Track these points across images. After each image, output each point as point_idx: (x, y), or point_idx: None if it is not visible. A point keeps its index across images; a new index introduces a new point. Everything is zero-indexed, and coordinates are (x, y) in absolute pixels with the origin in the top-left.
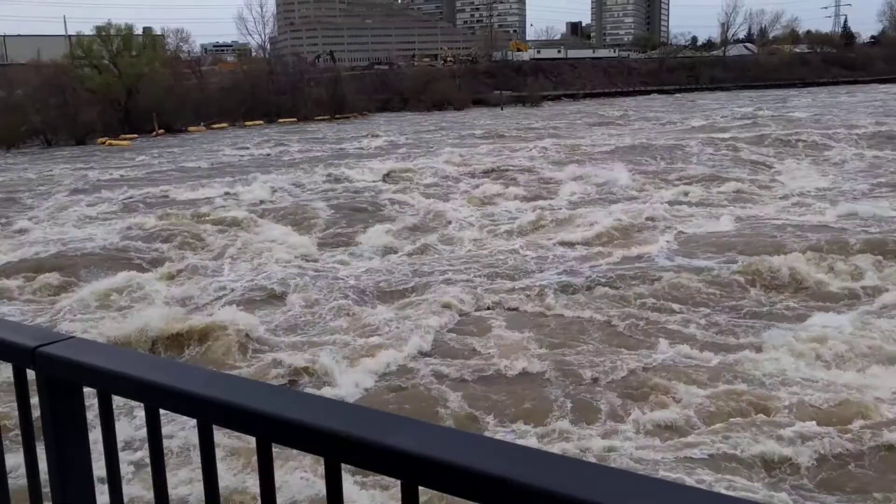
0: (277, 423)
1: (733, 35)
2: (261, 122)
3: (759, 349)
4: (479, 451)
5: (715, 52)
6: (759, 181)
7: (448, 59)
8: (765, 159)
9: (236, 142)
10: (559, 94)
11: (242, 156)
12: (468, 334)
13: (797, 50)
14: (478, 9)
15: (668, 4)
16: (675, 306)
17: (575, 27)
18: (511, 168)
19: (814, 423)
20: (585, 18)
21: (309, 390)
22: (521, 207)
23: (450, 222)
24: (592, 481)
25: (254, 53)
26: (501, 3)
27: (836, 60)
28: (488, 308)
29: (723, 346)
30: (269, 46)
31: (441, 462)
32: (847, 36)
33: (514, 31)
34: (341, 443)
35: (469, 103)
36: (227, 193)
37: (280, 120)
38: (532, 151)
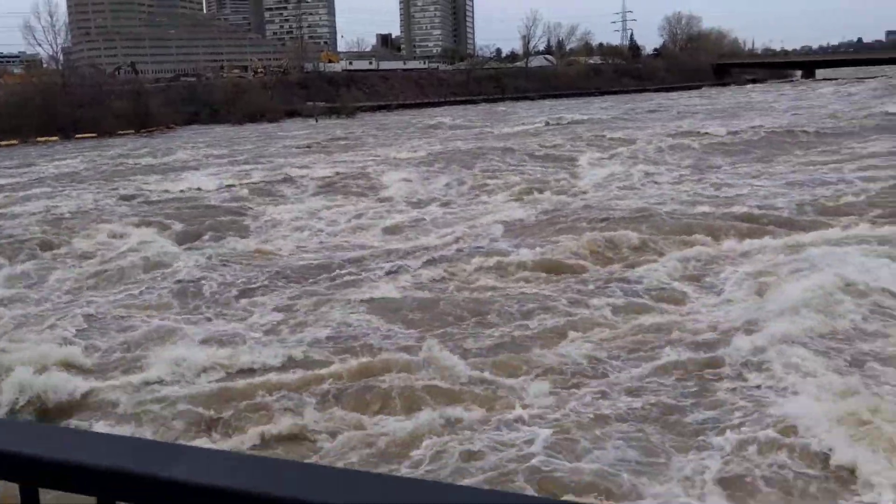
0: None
1: (534, 47)
2: (55, 137)
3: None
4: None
5: (518, 64)
6: (562, 175)
7: (259, 70)
8: (571, 155)
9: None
10: (373, 105)
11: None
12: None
13: (591, 61)
14: (287, 20)
15: (472, 18)
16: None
17: (385, 39)
18: (345, 175)
19: None
20: (395, 30)
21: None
22: (356, 210)
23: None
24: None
25: (45, 65)
26: (311, 14)
27: (626, 71)
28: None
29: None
30: (61, 57)
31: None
32: (634, 49)
33: (325, 42)
34: (119, 480)
35: (282, 115)
36: None
37: (78, 136)
38: (366, 160)
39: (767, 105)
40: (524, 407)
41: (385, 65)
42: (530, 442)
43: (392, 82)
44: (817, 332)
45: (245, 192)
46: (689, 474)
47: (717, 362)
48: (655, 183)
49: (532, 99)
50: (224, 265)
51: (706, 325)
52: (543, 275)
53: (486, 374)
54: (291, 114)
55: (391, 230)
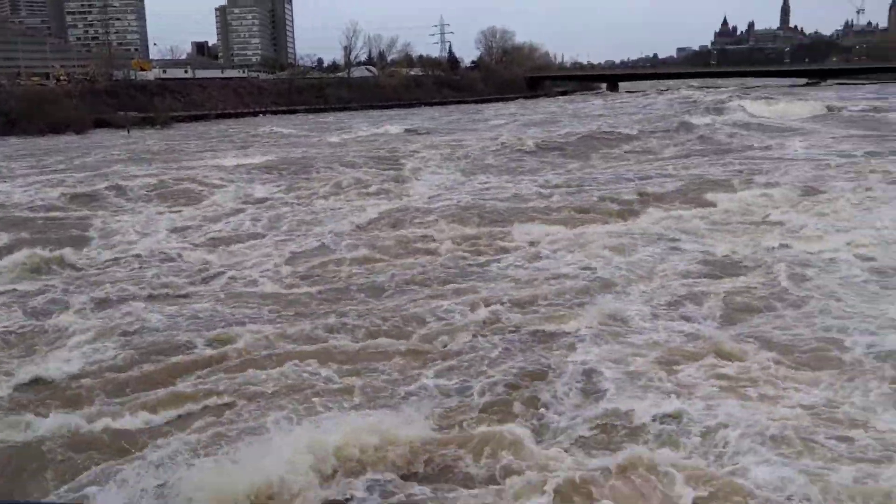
0: None
1: (356, 58)
2: None
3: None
4: None
5: (340, 74)
6: (394, 181)
7: (62, 77)
8: (403, 160)
9: None
10: (190, 114)
11: None
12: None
13: (412, 73)
14: (91, 24)
15: (292, 27)
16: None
17: (202, 47)
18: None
19: None
20: (212, 38)
21: None
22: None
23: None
24: None
25: None
26: (118, 19)
27: (446, 82)
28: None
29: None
30: None
31: None
32: (453, 61)
33: (136, 49)
34: None
35: (90, 125)
36: None
37: None
38: (194, 169)
39: (584, 113)
40: None
41: (202, 73)
42: None
43: (210, 91)
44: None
45: (61, 202)
46: None
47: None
48: (484, 183)
49: (355, 109)
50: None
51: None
52: (369, 265)
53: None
54: (100, 124)
55: (216, 240)
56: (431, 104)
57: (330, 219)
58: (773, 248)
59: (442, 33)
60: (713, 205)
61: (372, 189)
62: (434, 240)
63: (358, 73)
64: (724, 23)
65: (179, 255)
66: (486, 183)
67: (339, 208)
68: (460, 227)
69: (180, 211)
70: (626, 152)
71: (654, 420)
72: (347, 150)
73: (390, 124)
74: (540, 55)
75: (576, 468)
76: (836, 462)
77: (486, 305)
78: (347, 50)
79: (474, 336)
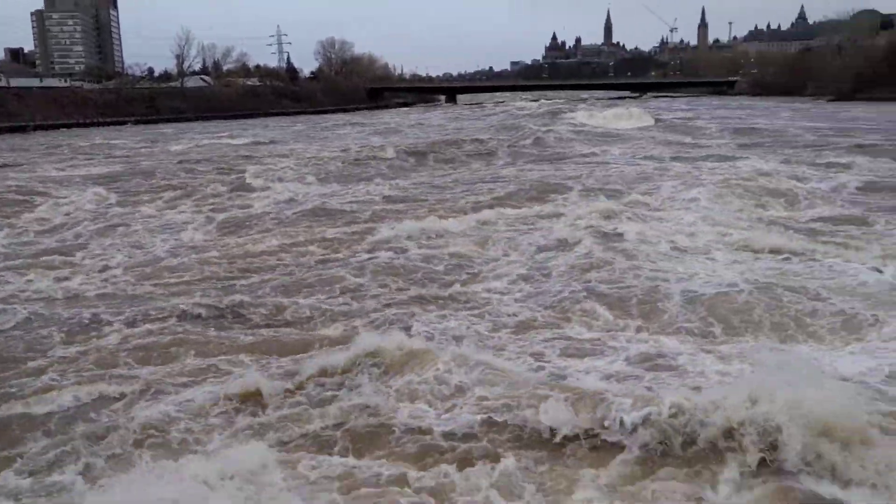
0: None
1: (189, 67)
2: None
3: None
4: None
5: (173, 84)
6: (240, 189)
7: None
8: (244, 170)
9: None
10: (5, 125)
11: None
12: None
13: (249, 82)
14: None
15: (119, 34)
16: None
17: (16, 54)
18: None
19: None
20: (28, 45)
21: None
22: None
23: None
24: None
25: None
26: None
27: (285, 93)
28: None
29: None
30: None
31: None
32: (292, 71)
33: None
34: None
35: None
36: None
37: None
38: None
39: (428, 123)
40: None
41: (17, 82)
42: None
43: (27, 101)
44: None
45: None
46: None
47: None
48: (335, 189)
49: (190, 120)
50: None
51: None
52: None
53: None
54: None
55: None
56: (271, 115)
57: (169, 229)
58: (609, 232)
59: (279, 43)
60: (551, 201)
61: (216, 199)
62: (287, 245)
63: (192, 82)
64: (554, 38)
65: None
66: (343, 189)
67: (181, 220)
68: (318, 230)
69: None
70: (469, 156)
71: None
72: (188, 159)
73: (231, 134)
74: (380, 67)
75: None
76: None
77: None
78: (180, 59)
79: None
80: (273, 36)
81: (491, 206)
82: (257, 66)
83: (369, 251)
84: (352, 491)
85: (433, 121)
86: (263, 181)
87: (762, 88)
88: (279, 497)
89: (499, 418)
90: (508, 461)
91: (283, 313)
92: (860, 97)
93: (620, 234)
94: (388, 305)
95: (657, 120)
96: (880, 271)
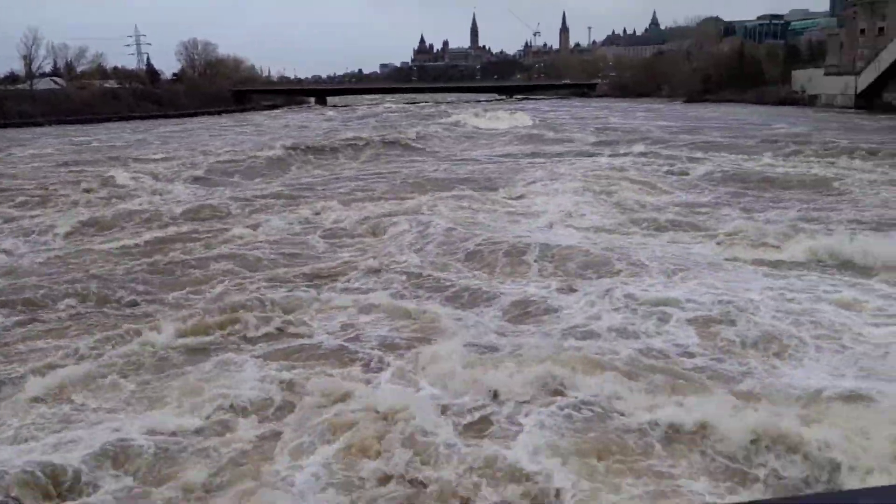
0: None
1: (38, 68)
2: None
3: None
4: None
5: (21, 86)
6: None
7: None
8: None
9: None
10: None
11: None
12: None
13: (107, 85)
14: None
15: None
16: None
17: None
18: None
19: None
20: None
21: None
22: None
23: None
24: None
25: None
26: None
27: (146, 95)
28: None
29: None
30: None
31: None
32: (152, 73)
33: None
34: None
35: None
36: None
37: None
38: None
39: (299, 125)
40: None
41: None
42: None
43: None
44: None
45: None
46: None
47: None
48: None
49: (41, 125)
50: None
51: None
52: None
53: None
54: None
55: None
56: (132, 118)
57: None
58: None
59: (138, 44)
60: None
61: (75, 202)
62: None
63: (43, 84)
64: (422, 41)
65: None
66: (220, 189)
67: (37, 225)
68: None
69: None
70: (346, 156)
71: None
72: (44, 164)
73: (89, 138)
74: (245, 68)
75: None
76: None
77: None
78: (28, 60)
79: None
80: (132, 36)
81: (372, 200)
82: (115, 68)
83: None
84: None
85: (305, 122)
86: (134, 183)
87: (621, 90)
88: None
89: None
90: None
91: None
92: (710, 98)
93: (492, 212)
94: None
95: (526, 120)
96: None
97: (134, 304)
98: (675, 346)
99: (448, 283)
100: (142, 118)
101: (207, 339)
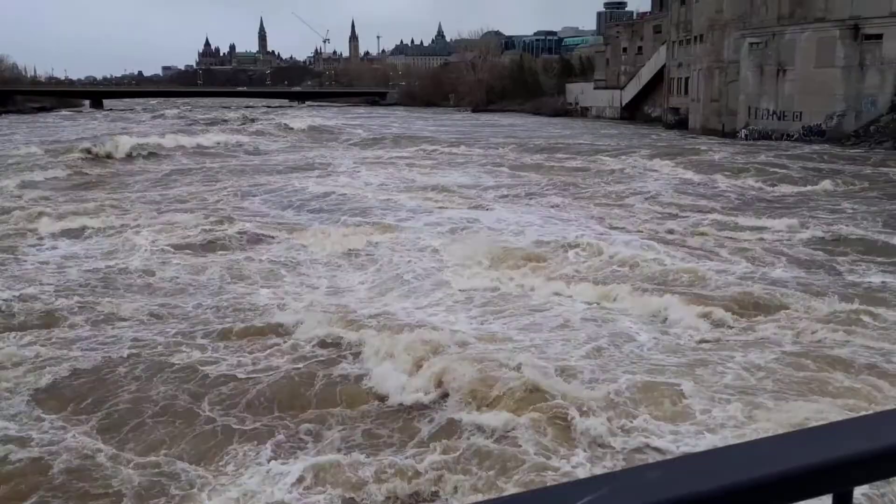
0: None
1: None
2: None
3: None
4: None
5: None
6: None
7: None
8: None
9: None
10: None
11: None
12: None
13: None
14: None
15: None
16: None
17: None
18: None
19: None
20: None
21: None
22: None
23: None
24: None
25: None
26: None
27: None
28: None
29: None
30: None
31: None
32: None
33: None
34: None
35: None
36: None
37: None
38: None
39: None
40: None
41: None
42: None
43: None
44: None
45: None
46: None
47: None
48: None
49: None
50: None
51: None
52: None
53: None
54: None
55: None
56: None
57: None
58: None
59: None
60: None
61: None
62: None
63: None
64: (207, 44)
65: None
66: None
67: None
68: None
69: None
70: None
71: None
72: None
73: None
74: (7, 67)
75: None
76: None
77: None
78: None
79: None
80: None
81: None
82: None
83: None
84: None
85: (71, 126)
86: None
87: (411, 99)
88: None
89: None
90: None
91: None
92: (493, 108)
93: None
94: None
95: (310, 126)
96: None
97: None
98: None
99: None
100: None
101: None
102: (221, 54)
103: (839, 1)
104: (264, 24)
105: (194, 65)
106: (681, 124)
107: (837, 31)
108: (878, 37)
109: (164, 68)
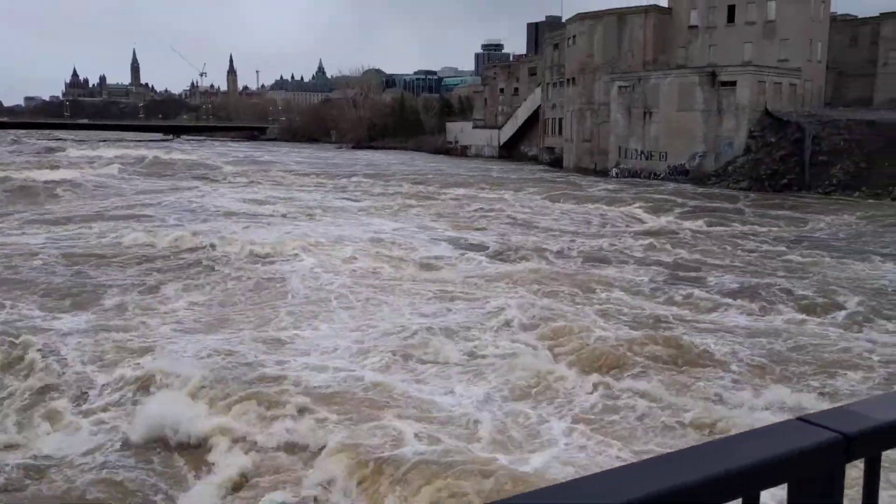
0: None
1: None
2: None
3: None
4: None
5: None
6: None
7: None
8: None
9: None
10: None
11: None
12: None
13: None
14: None
15: None
16: None
17: None
18: None
19: None
20: None
21: None
22: None
23: None
24: None
25: None
26: None
27: None
28: None
29: None
30: None
31: None
32: None
33: None
34: None
35: None
36: None
37: None
38: None
39: None
40: None
41: None
42: None
43: None
44: None
45: None
46: None
47: None
48: None
49: None
50: None
51: None
52: None
53: None
54: None
55: None
56: None
57: None
58: None
59: None
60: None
61: None
62: None
63: None
64: (75, 74)
65: None
66: None
67: None
68: None
69: None
70: None
71: None
72: None
73: None
74: None
75: None
76: None
77: None
78: None
79: None
80: None
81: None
82: None
83: None
84: None
85: None
86: None
87: (292, 134)
88: None
89: None
90: None
91: None
92: (375, 145)
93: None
94: None
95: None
96: None
97: None
98: None
99: None
100: None
101: None
102: (91, 85)
103: (698, 49)
104: (137, 56)
105: (60, 96)
106: (556, 163)
107: (697, 77)
108: (733, 83)
109: (27, 98)
